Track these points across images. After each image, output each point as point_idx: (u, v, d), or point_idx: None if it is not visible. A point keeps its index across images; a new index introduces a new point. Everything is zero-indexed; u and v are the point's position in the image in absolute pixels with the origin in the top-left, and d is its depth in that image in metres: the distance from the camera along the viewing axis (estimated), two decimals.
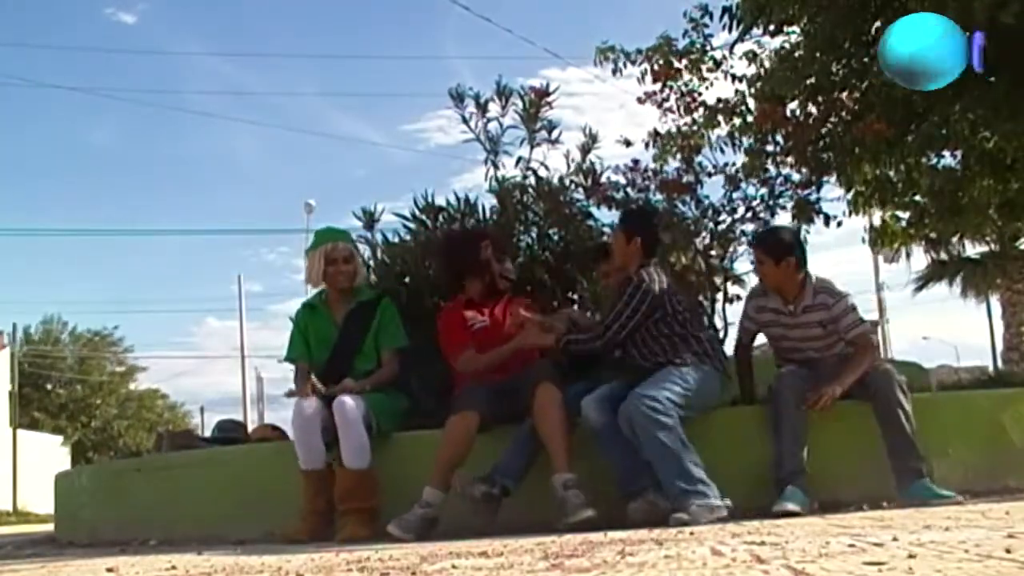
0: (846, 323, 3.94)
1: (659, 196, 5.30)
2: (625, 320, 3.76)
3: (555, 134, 5.15)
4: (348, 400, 3.82)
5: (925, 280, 19.47)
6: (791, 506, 3.49)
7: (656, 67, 6.67)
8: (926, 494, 3.58)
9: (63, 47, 54.00)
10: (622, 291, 3.82)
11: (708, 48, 7.12)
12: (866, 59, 6.92)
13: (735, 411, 4.07)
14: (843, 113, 6.67)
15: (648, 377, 3.68)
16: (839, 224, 5.64)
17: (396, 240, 5.11)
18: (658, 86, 6.13)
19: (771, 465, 3.68)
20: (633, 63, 7.18)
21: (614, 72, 7.33)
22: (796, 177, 5.44)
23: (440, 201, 5.11)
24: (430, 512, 3.64)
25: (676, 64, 6.56)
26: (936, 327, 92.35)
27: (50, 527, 6.30)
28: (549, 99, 5.11)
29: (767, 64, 7.69)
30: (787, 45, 7.84)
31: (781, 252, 3.98)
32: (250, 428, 5.67)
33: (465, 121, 5.19)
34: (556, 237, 5.08)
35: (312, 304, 4.30)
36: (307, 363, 4.21)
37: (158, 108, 65.36)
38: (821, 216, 5.54)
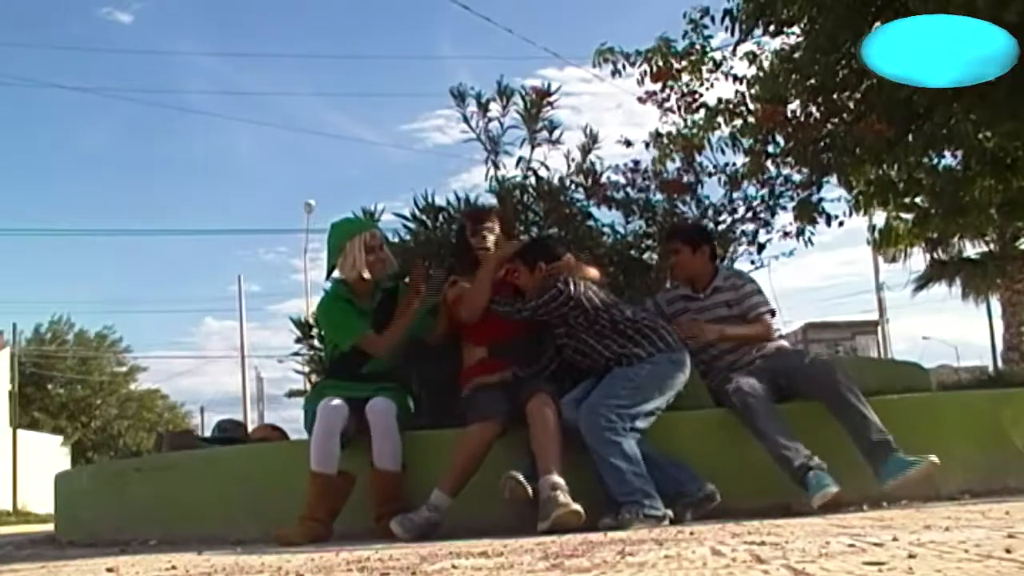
0: (751, 303, 4.08)
1: (659, 196, 5.31)
2: (533, 308, 3.85)
3: (556, 134, 5.16)
4: (384, 402, 3.81)
5: (925, 280, 19.45)
6: (828, 491, 3.47)
7: (656, 68, 6.68)
8: (901, 465, 3.54)
9: (60, 47, 54.00)
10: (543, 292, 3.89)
11: (708, 49, 7.13)
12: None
13: (733, 411, 4.07)
14: (844, 114, 6.68)
15: (603, 377, 3.76)
16: (840, 224, 5.66)
17: (396, 240, 5.11)
18: (659, 86, 6.15)
19: (779, 467, 3.66)
20: (633, 65, 7.18)
21: (613, 74, 7.33)
22: (797, 178, 5.46)
23: (439, 201, 5.12)
24: (435, 517, 3.63)
25: (676, 65, 6.57)
26: (936, 327, 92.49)
27: (50, 527, 6.30)
28: (550, 99, 5.11)
29: (767, 65, 7.69)
30: (787, 46, 7.84)
31: (697, 240, 4.22)
32: (250, 428, 5.67)
33: (466, 120, 5.19)
34: (556, 237, 5.08)
35: (347, 298, 4.10)
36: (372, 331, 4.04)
37: (155, 108, 65.49)
38: (823, 216, 5.56)
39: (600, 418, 3.60)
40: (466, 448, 3.72)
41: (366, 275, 4.04)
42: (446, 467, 3.73)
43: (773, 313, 4.16)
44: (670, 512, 3.47)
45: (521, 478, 3.49)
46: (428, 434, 3.94)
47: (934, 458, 3.54)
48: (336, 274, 4.16)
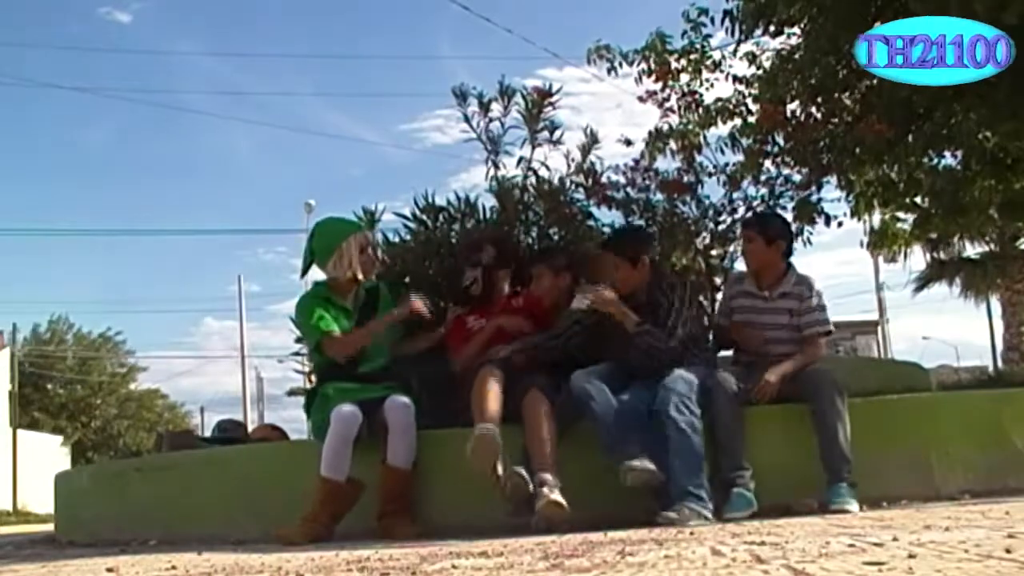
0: (810, 319, 3.98)
1: (659, 196, 5.30)
2: (686, 318, 3.83)
3: (557, 135, 5.16)
4: (404, 401, 3.83)
5: (925, 280, 19.45)
6: (735, 514, 3.52)
7: (654, 66, 6.67)
8: (835, 500, 3.57)
9: (59, 47, 53.92)
10: (667, 294, 3.88)
11: (707, 48, 7.12)
12: None
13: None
14: (844, 114, 6.68)
15: (660, 375, 3.72)
16: (839, 224, 5.65)
17: (396, 240, 5.11)
18: (659, 85, 6.14)
19: (714, 465, 3.70)
20: (630, 63, 7.17)
21: (609, 72, 7.32)
22: (796, 178, 5.45)
23: (439, 201, 5.12)
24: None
25: (674, 64, 6.55)
26: (936, 327, 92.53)
27: (50, 527, 6.30)
28: (552, 100, 5.11)
29: (767, 65, 7.68)
30: (787, 47, 7.83)
31: (774, 234, 4.06)
32: (250, 428, 5.68)
33: (467, 120, 5.19)
34: (556, 237, 5.08)
35: (326, 296, 4.13)
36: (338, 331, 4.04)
37: (155, 107, 65.46)
38: (822, 217, 5.56)
39: (687, 411, 3.58)
40: (477, 389, 3.71)
41: (360, 276, 4.09)
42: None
43: (829, 333, 4.07)
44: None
45: (523, 473, 3.49)
46: (428, 434, 3.94)
47: (854, 509, 3.53)
48: (312, 275, 4.24)
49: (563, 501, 3.41)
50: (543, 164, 5.18)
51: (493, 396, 3.69)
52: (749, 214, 5.21)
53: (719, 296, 4.93)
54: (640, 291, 3.91)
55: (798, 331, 4.01)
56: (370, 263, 4.15)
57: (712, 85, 6.67)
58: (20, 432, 29.28)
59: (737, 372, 3.87)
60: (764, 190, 5.31)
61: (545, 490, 3.45)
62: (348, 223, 4.34)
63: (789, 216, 5.40)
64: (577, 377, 3.72)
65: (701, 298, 3.97)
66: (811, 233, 5.52)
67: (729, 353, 4.30)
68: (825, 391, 3.72)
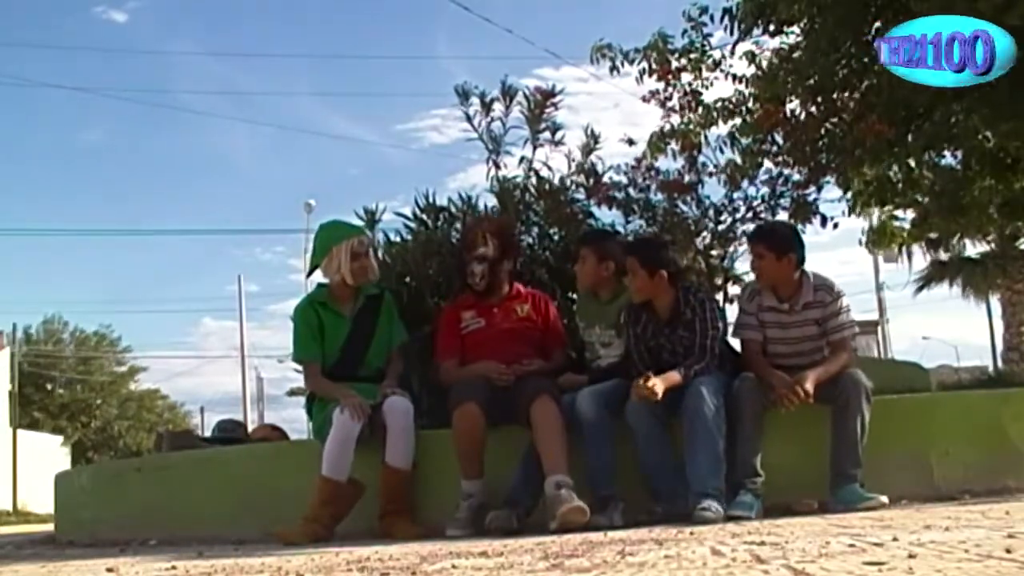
0: (835, 323, 3.89)
1: (659, 196, 5.31)
2: (715, 332, 3.83)
3: (559, 135, 5.16)
4: (403, 402, 3.84)
5: (925, 280, 19.45)
6: (741, 512, 3.52)
7: (655, 65, 6.68)
8: (854, 498, 3.57)
9: (55, 46, 53.81)
10: (691, 310, 3.85)
11: (707, 48, 7.13)
12: (866, 59, 6.93)
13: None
14: (843, 114, 6.68)
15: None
16: (835, 225, 5.65)
17: (397, 240, 5.11)
18: (661, 85, 6.15)
19: (729, 467, 3.69)
20: (631, 62, 7.18)
21: (611, 71, 7.33)
22: (796, 177, 5.45)
23: (439, 201, 5.12)
24: (475, 501, 3.72)
25: (675, 63, 6.56)
26: (936, 327, 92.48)
27: (50, 527, 6.30)
28: (554, 100, 5.11)
29: (766, 65, 7.68)
30: (786, 45, 7.84)
31: (784, 248, 3.91)
32: (250, 428, 5.67)
33: (469, 119, 5.19)
34: (557, 237, 5.09)
35: (323, 301, 4.18)
36: (319, 362, 4.11)
37: (152, 107, 65.43)
38: (818, 216, 5.55)
39: (715, 410, 3.62)
40: (456, 435, 3.80)
41: (349, 281, 4.10)
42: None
43: (855, 333, 4.03)
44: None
45: (503, 516, 3.57)
46: (428, 434, 3.94)
47: (884, 499, 3.57)
48: (319, 276, 4.24)
49: (585, 507, 3.42)
50: (545, 164, 5.20)
51: (480, 448, 3.77)
52: (749, 215, 5.20)
53: (729, 303, 4.94)
54: (662, 302, 3.88)
55: (825, 337, 3.91)
56: (362, 270, 4.11)
57: (712, 84, 6.68)
58: (20, 432, 29.26)
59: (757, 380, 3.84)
60: (765, 190, 5.31)
61: (564, 493, 3.45)
62: (347, 227, 4.30)
63: (786, 216, 5.39)
64: (584, 401, 3.73)
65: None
66: (804, 232, 5.52)
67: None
68: (853, 393, 3.70)
